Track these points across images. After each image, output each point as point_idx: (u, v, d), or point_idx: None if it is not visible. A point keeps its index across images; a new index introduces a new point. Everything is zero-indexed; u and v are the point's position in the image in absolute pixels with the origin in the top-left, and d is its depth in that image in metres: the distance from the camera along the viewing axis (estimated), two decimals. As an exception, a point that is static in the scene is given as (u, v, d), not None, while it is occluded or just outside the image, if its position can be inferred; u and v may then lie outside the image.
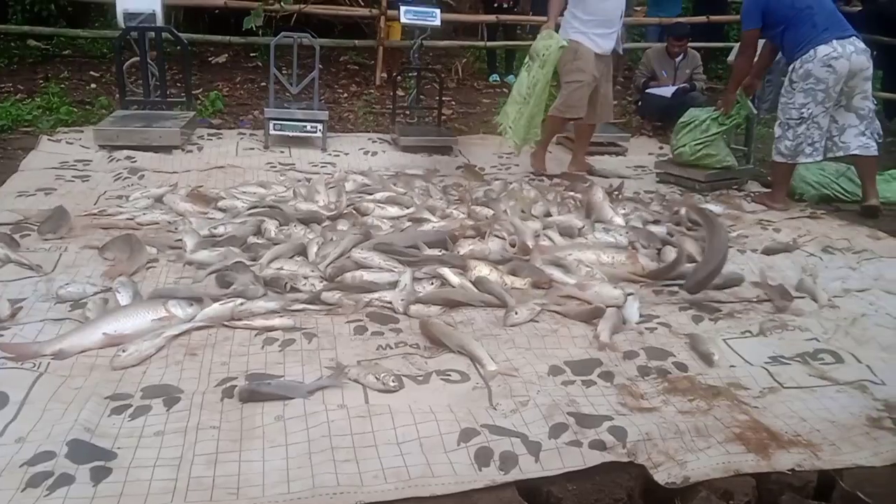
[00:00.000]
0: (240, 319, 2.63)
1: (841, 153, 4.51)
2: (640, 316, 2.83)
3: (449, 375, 2.32)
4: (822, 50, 4.24)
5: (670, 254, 3.44)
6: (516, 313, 2.74)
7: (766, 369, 2.49)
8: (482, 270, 3.08)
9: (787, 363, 2.54)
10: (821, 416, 2.20)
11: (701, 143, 4.81)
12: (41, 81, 6.72)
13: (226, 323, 2.61)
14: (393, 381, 2.21)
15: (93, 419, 1.97)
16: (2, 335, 2.40)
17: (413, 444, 1.93)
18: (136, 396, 2.12)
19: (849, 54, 4.23)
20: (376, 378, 2.22)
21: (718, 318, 2.89)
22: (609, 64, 5.04)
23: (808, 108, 4.33)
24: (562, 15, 4.88)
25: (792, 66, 4.41)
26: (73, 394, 2.10)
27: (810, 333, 2.77)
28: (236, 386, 2.18)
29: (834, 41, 4.24)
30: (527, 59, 4.74)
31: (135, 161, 4.71)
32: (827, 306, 3.04)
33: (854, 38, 4.30)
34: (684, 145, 4.87)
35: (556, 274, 3.12)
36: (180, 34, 5.84)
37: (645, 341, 2.66)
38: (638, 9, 9.55)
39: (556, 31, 4.76)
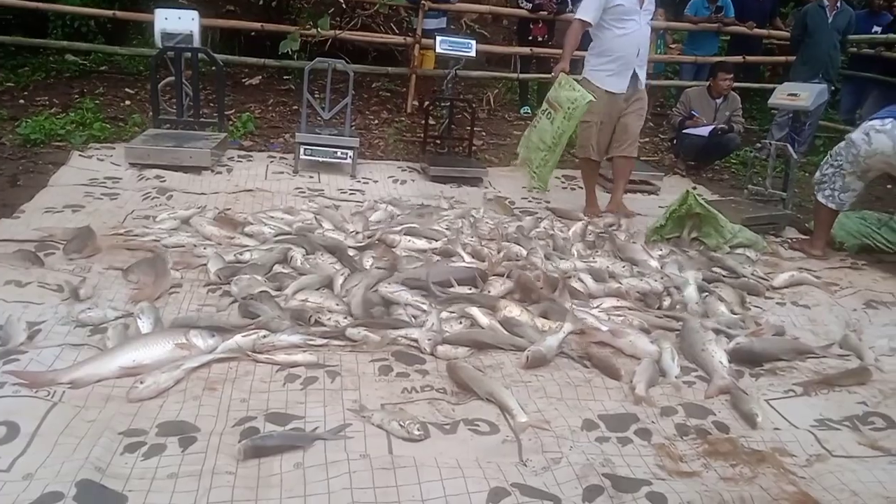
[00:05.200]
0: (262, 352, 2.55)
1: None
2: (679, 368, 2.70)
3: (477, 426, 2.22)
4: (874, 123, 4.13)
5: (713, 305, 3.31)
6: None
7: (812, 434, 2.35)
8: (512, 311, 2.97)
9: (836, 428, 2.40)
10: (874, 490, 2.06)
11: None
12: (76, 96, 6.77)
13: (248, 355, 2.53)
14: (418, 430, 2.11)
15: (105, 457, 1.89)
16: (17, 360, 2.33)
17: (439, 503, 1.81)
18: (151, 433, 2.04)
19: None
20: (401, 425, 2.12)
21: (759, 375, 2.76)
22: (632, 99, 4.81)
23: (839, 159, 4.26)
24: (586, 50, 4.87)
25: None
26: (87, 427, 2.02)
27: (858, 395, 2.63)
28: (254, 427, 2.09)
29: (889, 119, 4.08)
30: (545, 106, 4.64)
31: (164, 181, 4.68)
32: (874, 366, 2.89)
33: None
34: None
35: (590, 319, 3.00)
36: (216, 55, 5.86)
37: (683, 396, 2.53)
38: (673, 46, 9.50)
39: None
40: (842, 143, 4.30)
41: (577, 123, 4.57)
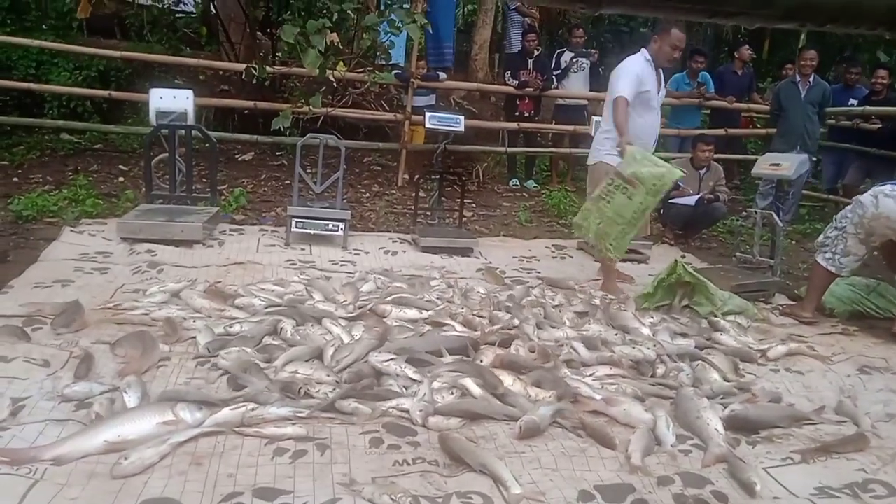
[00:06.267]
0: (250, 426, 2.50)
1: None
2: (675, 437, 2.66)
3: (470, 499, 2.16)
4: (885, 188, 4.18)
5: (707, 373, 3.29)
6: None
7: (812, 503, 2.30)
8: (505, 380, 2.95)
9: (836, 496, 2.36)
10: (878, 560, 2.01)
11: None
12: (70, 174, 6.84)
13: (236, 429, 2.48)
14: (410, 504, 2.06)
15: (85, 538, 1.83)
16: (0, 436, 2.28)
17: (432, 580, 1.75)
18: (134, 512, 1.97)
19: None
20: (392, 499, 2.07)
21: (756, 443, 2.72)
22: None
23: (845, 221, 4.30)
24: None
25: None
26: (68, 506, 1.96)
27: (857, 462, 2.59)
28: (242, 503, 2.03)
29: None
30: (617, 181, 4.46)
31: (155, 255, 4.69)
32: (871, 432, 2.86)
33: None
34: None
35: (583, 388, 2.97)
36: (210, 132, 5.97)
37: (679, 465, 2.49)
38: (657, 120, 9.76)
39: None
40: (849, 206, 4.37)
41: (660, 197, 4.55)
